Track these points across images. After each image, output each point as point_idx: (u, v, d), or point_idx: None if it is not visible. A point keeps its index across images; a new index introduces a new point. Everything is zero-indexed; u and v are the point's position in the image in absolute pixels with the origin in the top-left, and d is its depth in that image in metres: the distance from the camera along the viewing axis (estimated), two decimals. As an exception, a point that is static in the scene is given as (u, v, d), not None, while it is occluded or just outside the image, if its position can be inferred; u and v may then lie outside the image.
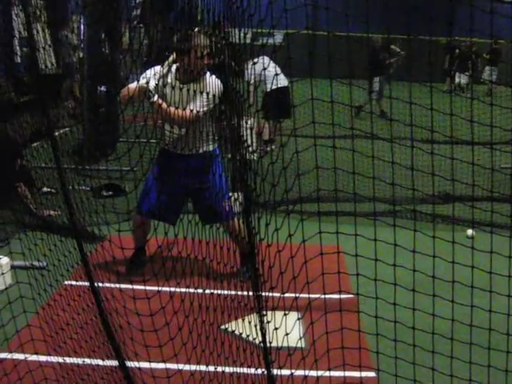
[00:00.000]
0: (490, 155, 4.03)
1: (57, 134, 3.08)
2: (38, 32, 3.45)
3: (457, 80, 19.38)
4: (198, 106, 4.46)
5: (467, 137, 3.66)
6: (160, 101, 4.52)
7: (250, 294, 2.97)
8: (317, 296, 3.05)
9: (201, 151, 4.73)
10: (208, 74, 4.64)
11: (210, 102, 4.51)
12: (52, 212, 5.82)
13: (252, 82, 3.56)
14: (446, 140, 3.96)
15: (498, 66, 19.34)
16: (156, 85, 4.52)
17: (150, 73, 4.60)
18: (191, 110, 4.42)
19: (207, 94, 4.41)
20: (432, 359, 3.07)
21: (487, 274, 2.90)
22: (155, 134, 4.76)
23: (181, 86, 4.28)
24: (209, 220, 4.00)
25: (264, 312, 2.87)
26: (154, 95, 4.50)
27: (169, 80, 4.56)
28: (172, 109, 4.38)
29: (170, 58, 4.66)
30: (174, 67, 4.69)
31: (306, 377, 3.13)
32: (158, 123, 4.60)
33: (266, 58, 3.27)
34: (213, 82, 4.53)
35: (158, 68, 4.65)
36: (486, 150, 4.68)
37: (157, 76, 4.57)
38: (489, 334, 2.99)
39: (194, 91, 4.29)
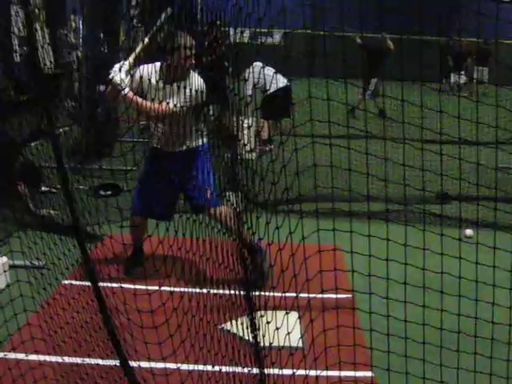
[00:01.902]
0: (494, 154, 4.04)
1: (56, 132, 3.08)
2: (36, 31, 3.45)
3: (452, 79, 19.37)
4: (177, 101, 4.37)
5: (469, 137, 3.69)
6: (131, 94, 4.46)
7: (244, 293, 2.98)
8: (314, 295, 3.06)
9: (190, 147, 4.73)
10: (191, 72, 4.60)
11: (192, 99, 4.45)
12: (51, 211, 5.82)
13: (248, 80, 3.57)
14: (441, 140, 3.98)
15: (489, 67, 19.39)
16: (121, 79, 4.38)
17: (117, 66, 4.45)
18: (167, 103, 4.36)
19: (190, 90, 4.38)
20: (423, 352, 3.11)
21: (479, 267, 2.97)
22: (146, 133, 4.77)
23: (164, 85, 4.28)
24: (198, 210, 4.14)
25: (254, 312, 2.87)
26: (123, 88, 4.40)
27: (153, 79, 4.44)
28: (141, 100, 4.37)
29: (138, 48, 4.56)
30: (158, 65, 4.64)
31: (306, 376, 3.14)
32: (142, 122, 4.57)
33: (259, 64, 3.26)
34: (195, 80, 4.51)
35: (126, 61, 4.50)
36: (488, 150, 4.70)
37: (124, 68, 4.43)
38: (475, 324, 3.08)
39: (178, 87, 4.26)
